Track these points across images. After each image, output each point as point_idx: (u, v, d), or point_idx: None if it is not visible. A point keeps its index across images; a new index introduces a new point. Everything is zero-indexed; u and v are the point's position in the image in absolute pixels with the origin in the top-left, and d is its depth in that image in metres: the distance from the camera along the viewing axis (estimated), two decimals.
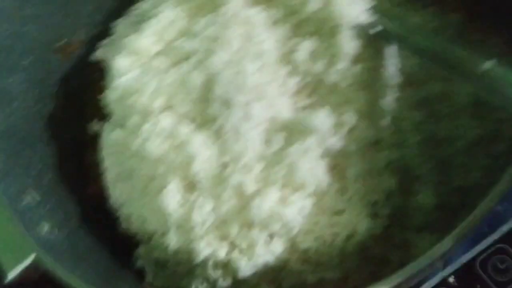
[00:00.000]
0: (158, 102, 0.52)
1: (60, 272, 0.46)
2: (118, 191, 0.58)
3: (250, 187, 0.49)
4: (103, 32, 0.68)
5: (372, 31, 0.51)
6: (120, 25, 0.67)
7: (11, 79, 0.57)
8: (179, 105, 0.52)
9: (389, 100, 0.50)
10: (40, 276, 0.50)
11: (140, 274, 0.57)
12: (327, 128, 0.49)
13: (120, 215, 0.59)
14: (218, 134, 0.50)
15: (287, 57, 0.52)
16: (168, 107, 0.53)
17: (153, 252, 0.56)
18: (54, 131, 0.62)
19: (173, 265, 0.55)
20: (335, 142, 0.49)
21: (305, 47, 0.51)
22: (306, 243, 0.49)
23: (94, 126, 0.65)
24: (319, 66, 0.51)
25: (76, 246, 0.54)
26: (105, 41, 0.66)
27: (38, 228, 0.51)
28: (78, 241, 0.55)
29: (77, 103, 0.66)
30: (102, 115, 0.64)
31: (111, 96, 0.57)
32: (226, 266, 0.51)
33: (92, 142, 0.65)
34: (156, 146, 0.51)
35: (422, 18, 0.55)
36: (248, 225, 0.49)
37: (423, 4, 0.57)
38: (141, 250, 0.57)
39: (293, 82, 0.51)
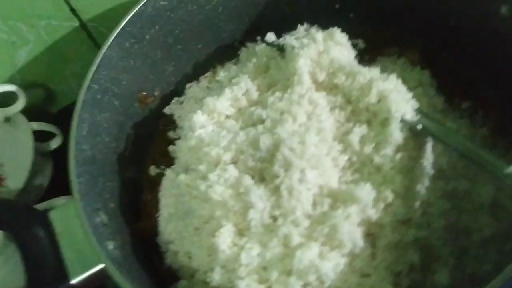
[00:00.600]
0: (228, 156, 0.61)
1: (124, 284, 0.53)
2: (171, 228, 0.65)
3: (295, 239, 0.56)
4: (174, 90, 0.79)
5: (415, 128, 0.60)
6: (192, 88, 0.78)
7: (101, 116, 0.67)
8: (245, 160, 0.60)
9: (422, 187, 0.58)
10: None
11: None
12: (368, 200, 0.57)
13: (167, 250, 0.66)
14: (275, 190, 0.58)
15: (342, 137, 0.61)
16: (235, 161, 0.61)
17: (194, 287, 0.62)
18: (122, 167, 0.71)
19: None
20: (373, 213, 0.57)
21: (358, 131, 0.60)
22: None
23: (154, 170, 0.74)
24: (367, 149, 0.59)
25: (130, 269, 0.60)
26: (176, 99, 0.77)
27: (104, 244, 0.58)
28: (131, 264, 0.62)
29: (144, 147, 0.76)
30: (162, 161, 0.74)
31: (184, 145, 0.66)
32: None
33: (149, 184, 0.74)
34: (219, 192, 0.59)
35: (456, 125, 0.65)
36: (287, 272, 0.56)
37: (458, 116, 0.68)
38: (181, 284, 0.63)
39: (344, 159, 0.60)
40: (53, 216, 0.60)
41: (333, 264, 0.55)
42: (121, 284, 0.53)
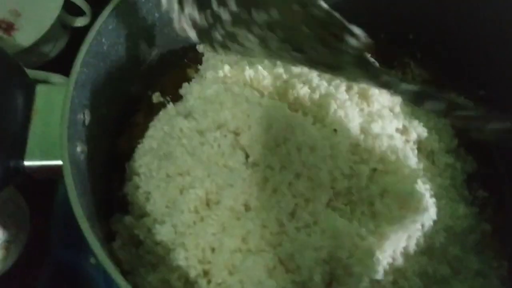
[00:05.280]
0: (234, 124, 0.58)
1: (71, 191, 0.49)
2: (144, 161, 0.61)
3: (255, 242, 0.53)
4: None
5: None
6: None
7: (135, 19, 0.63)
8: (250, 137, 0.57)
9: (403, 256, 0.55)
10: None
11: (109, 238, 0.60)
12: (345, 241, 0.52)
13: (130, 180, 0.62)
14: (261, 181, 0.55)
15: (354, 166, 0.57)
16: (239, 132, 0.58)
17: (135, 228, 0.58)
18: (129, 80, 0.68)
19: (143, 250, 0.57)
20: (343, 255, 0.52)
21: (374, 164, 0.57)
22: None
23: (158, 98, 0.70)
24: (374, 189, 0.56)
25: (85, 180, 0.56)
26: None
27: (74, 143, 0.54)
28: (89, 176, 0.57)
29: (159, 71, 0.72)
30: (170, 93, 0.70)
31: (197, 89, 0.63)
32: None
33: (147, 108, 0.70)
34: (208, 154, 0.56)
35: (466, 211, 0.61)
36: (231, 270, 0.52)
37: (470, 201, 0.64)
38: (127, 219, 0.59)
39: (344, 185, 0.56)
40: (40, 90, 0.56)
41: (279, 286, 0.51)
42: (68, 190, 0.49)
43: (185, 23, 0.49)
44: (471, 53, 0.69)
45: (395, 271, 0.53)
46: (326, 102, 0.59)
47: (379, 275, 0.52)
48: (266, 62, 0.63)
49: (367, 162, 0.57)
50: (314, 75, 0.61)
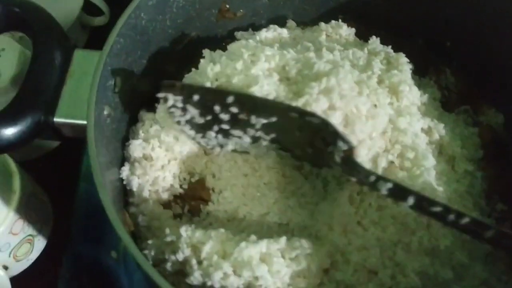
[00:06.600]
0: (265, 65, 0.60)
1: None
2: None
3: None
4: (256, 22, 0.76)
5: None
6: (272, 30, 0.73)
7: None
8: (290, 69, 0.59)
9: (404, 252, 0.54)
10: None
11: None
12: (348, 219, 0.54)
13: None
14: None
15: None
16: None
17: None
18: (165, 58, 0.70)
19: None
20: (343, 242, 0.53)
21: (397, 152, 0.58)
22: None
23: None
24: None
25: (108, 145, 0.58)
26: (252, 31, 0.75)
27: (101, 106, 0.56)
28: (112, 142, 0.60)
29: (195, 54, 0.73)
30: None
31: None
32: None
33: None
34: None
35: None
36: (224, 253, 0.52)
37: (487, 213, 0.63)
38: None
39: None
40: (77, 54, 0.59)
41: (272, 269, 0.50)
42: (89, 148, 0.52)
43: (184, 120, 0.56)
44: (508, 66, 0.69)
45: (394, 266, 0.53)
46: (358, 88, 0.59)
47: (376, 267, 0.52)
48: (298, 47, 0.64)
49: (386, 154, 0.57)
50: (346, 63, 0.61)
